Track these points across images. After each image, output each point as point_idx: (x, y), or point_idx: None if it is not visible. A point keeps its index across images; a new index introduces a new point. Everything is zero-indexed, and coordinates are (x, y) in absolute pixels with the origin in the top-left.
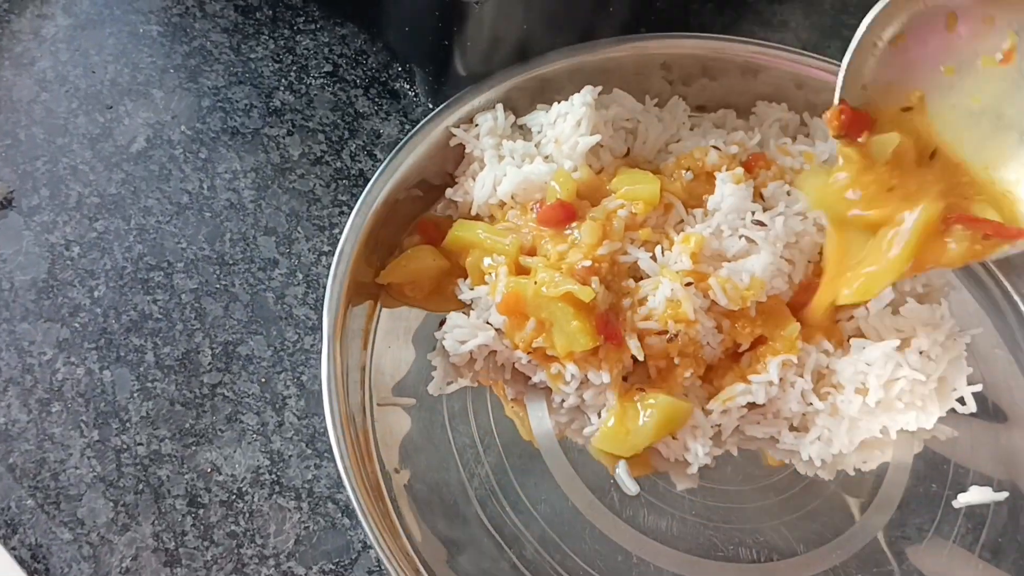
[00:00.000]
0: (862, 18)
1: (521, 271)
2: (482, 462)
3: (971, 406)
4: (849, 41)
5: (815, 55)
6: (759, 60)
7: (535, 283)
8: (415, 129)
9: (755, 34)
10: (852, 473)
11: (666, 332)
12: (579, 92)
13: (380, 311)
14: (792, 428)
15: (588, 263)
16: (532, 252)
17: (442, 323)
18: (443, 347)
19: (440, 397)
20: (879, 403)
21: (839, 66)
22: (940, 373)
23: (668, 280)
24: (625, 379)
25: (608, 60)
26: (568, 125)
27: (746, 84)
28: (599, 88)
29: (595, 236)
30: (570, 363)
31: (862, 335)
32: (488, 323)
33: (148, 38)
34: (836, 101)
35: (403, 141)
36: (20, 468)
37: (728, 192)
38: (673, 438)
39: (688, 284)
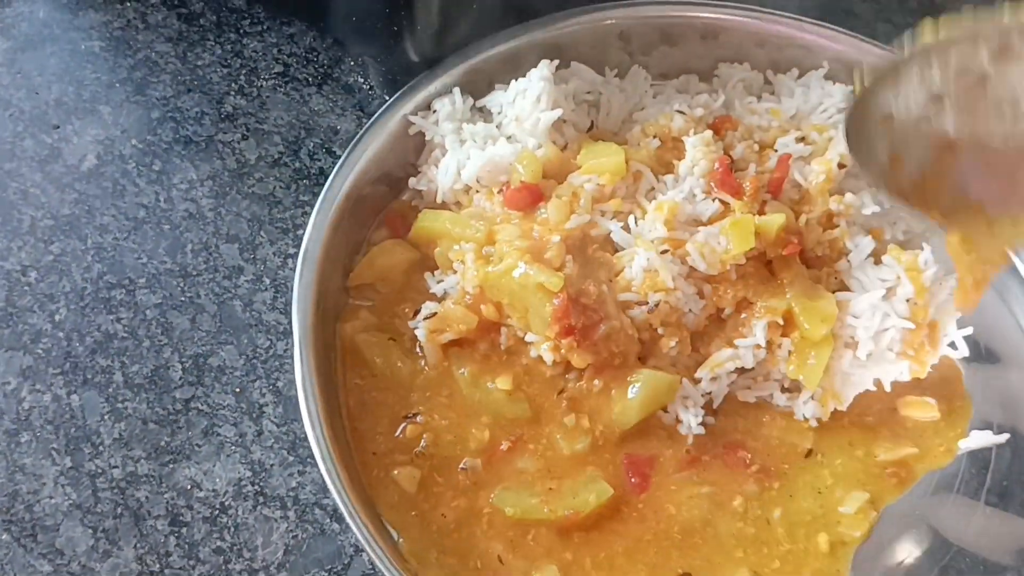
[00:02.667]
0: None
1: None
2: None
3: (963, 350)
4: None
5: (774, 11)
6: (718, 22)
7: (503, 270)
8: (371, 120)
9: None
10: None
11: (646, 303)
12: (535, 68)
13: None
14: (784, 389)
15: (557, 238)
16: None
17: (416, 313)
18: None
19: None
20: (870, 355)
21: (798, 20)
22: (929, 319)
23: (643, 249)
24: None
25: (564, 34)
26: (528, 102)
27: (707, 48)
28: (556, 61)
29: (562, 213)
30: (545, 348)
31: (846, 288)
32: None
33: (91, 54)
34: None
35: (360, 133)
36: None
37: (699, 155)
38: (664, 411)
39: (664, 252)
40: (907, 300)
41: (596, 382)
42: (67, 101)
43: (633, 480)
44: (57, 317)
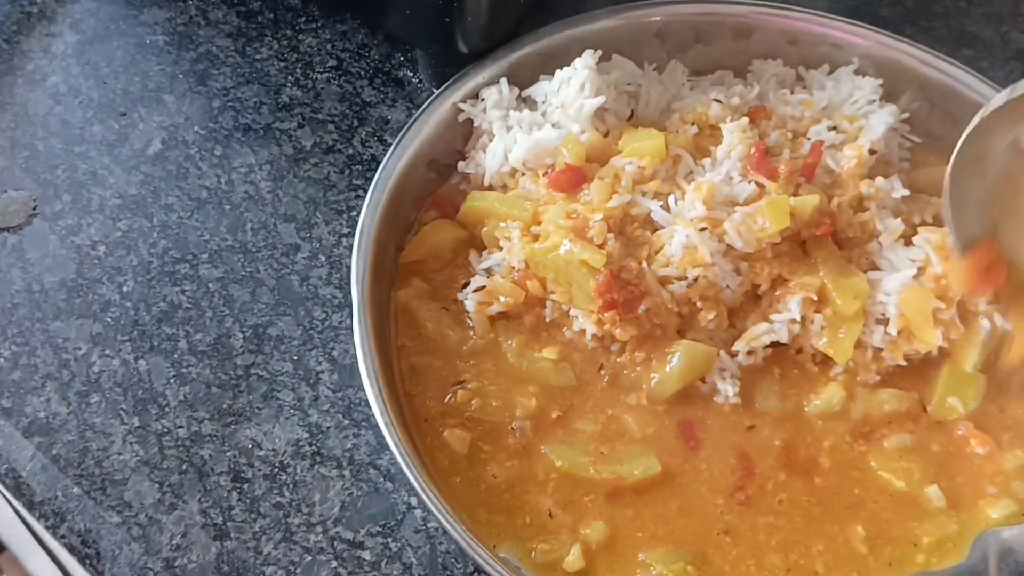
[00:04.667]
0: None
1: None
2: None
3: (1001, 320)
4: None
5: (805, 9)
6: (751, 20)
7: (549, 247)
8: (423, 107)
9: None
10: None
11: (685, 278)
12: (579, 57)
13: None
14: (816, 363)
15: (599, 217)
16: None
17: (465, 285)
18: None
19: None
20: (901, 332)
21: (829, 18)
22: (959, 296)
23: (683, 227)
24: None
25: (604, 30)
26: (572, 89)
27: (740, 46)
28: (599, 51)
29: (605, 193)
30: (588, 322)
31: (877, 269)
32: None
33: (155, 48)
34: (953, 245)
35: (412, 119)
36: (64, 458)
37: (736, 140)
38: (702, 381)
39: (703, 230)
40: (936, 278)
41: (638, 354)
42: (133, 91)
43: (689, 444)
44: (125, 288)
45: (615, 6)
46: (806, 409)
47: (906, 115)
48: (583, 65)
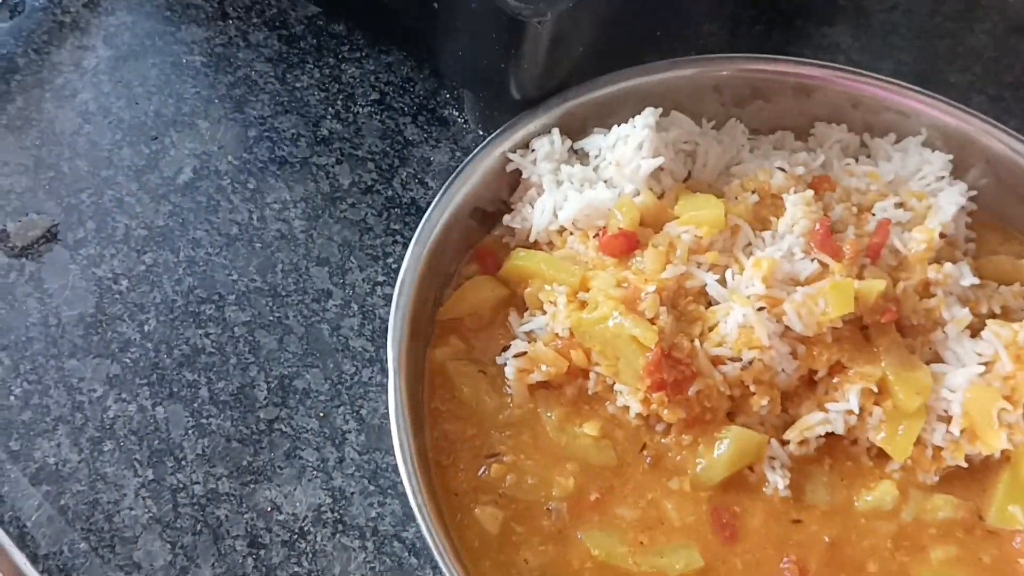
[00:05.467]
0: (913, 41)
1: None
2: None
3: None
4: (901, 64)
5: (869, 73)
6: (812, 80)
7: (597, 318)
8: (472, 155)
9: (805, 56)
10: None
11: (739, 360)
12: (639, 114)
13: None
14: (872, 457)
15: (652, 288)
16: None
17: (505, 348)
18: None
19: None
20: (963, 432)
21: (895, 84)
22: None
23: (739, 305)
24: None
25: (662, 83)
26: (630, 148)
27: (800, 105)
28: (659, 109)
29: (659, 263)
30: (634, 399)
31: (940, 360)
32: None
33: (192, 69)
34: None
35: (460, 167)
36: (72, 510)
37: (800, 214)
38: (751, 470)
39: (760, 309)
40: (1004, 378)
41: (684, 436)
42: (166, 113)
43: (724, 534)
44: (146, 327)
45: (674, 59)
46: (856, 505)
47: (974, 192)
48: (643, 124)
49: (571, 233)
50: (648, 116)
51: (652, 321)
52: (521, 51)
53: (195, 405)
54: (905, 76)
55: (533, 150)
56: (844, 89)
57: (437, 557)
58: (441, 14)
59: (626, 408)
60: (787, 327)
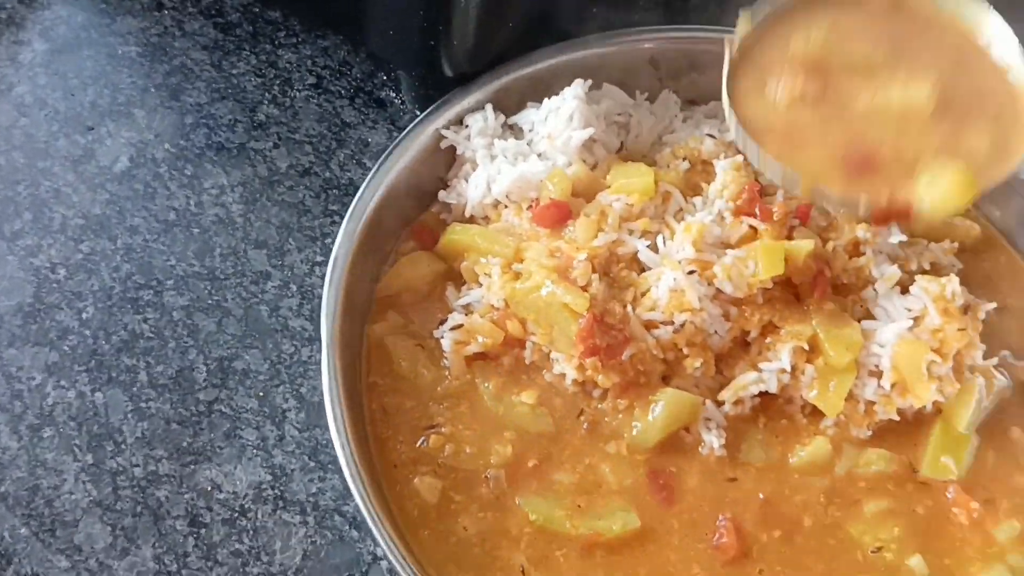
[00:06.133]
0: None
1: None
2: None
3: (1000, 380)
4: None
5: None
6: None
7: (530, 288)
8: (404, 132)
9: None
10: None
11: (671, 323)
12: (569, 87)
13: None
14: (806, 414)
15: (584, 256)
16: None
17: (442, 322)
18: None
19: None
20: (894, 385)
21: None
22: (954, 351)
23: (670, 269)
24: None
25: (596, 56)
26: (560, 120)
27: None
28: (589, 81)
29: (590, 232)
30: (569, 366)
31: (871, 317)
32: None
33: (127, 59)
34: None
35: (392, 145)
36: (12, 496)
37: (729, 179)
38: (687, 431)
39: (691, 272)
40: (933, 331)
41: (620, 401)
42: (102, 104)
43: (661, 495)
44: (84, 315)
45: (607, 32)
46: (790, 461)
47: None
48: (572, 95)
49: (506, 206)
50: (577, 88)
51: (584, 288)
52: (450, 28)
53: (134, 389)
54: None
55: (467, 126)
56: None
57: (372, 527)
58: None
59: (562, 376)
60: (718, 289)
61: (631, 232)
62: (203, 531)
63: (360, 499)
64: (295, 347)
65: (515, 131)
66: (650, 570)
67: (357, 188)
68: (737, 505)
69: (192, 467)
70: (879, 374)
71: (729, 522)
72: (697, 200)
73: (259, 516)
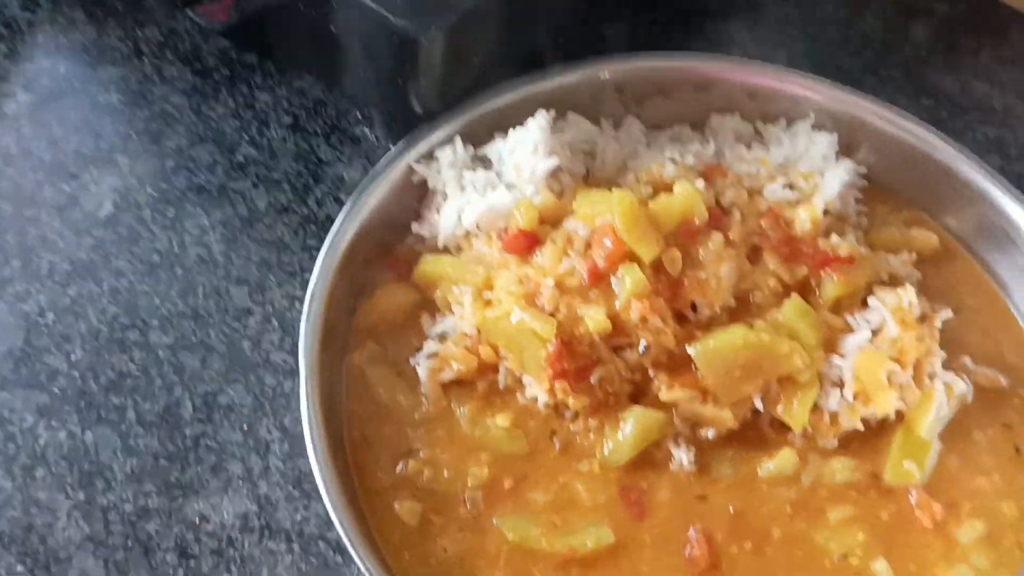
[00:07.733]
0: (805, 30)
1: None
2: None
3: (960, 386)
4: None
5: (766, 63)
6: (711, 74)
7: (500, 315)
8: (375, 168)
9: (704, 52)
10: None
11: (638, 344)
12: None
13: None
14: (775, 428)
15: (551, 282)
16: None
17: (418, 350)
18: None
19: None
20: (857, 395)
21: (793, 73)
22: (913, 360)
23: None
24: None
25: (561, 87)
26: (526, 150)
27: (699, 99)
28: (552, 112)
29: (556, 258)
30: (541, 391)
31: None
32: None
33: (109, 107)
34: None
35: (365, 181)
36: (8, 535)
37: None
38: (657, 448)
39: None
40: (892, 340)
41: (591, 421)
42: (85, 152)
43: (634, 511)
44: (73, 357)
45: (572, 62)
46: (759, 474)
47: (863, 169)
48: (536, 126)
49: (476, 236)
50: (540, 118)
51: (552, 314)
52: (416, 67)
53: (123, 427)
54: (800, 65)
55: (436, 159)
56: (741, 81)
57: (352, 551)
58: (340, 38)
59: (535, 399)
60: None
61: None
62: (192, 562)
63: (340, 526)
64: (278, 380)
65: (484, 162)
66: None
67: (334, 223)
68: (707, 518)
69: (180, 500)
70: (841, 385)
71: (700, 535)
72: None
73: (246, 546)
